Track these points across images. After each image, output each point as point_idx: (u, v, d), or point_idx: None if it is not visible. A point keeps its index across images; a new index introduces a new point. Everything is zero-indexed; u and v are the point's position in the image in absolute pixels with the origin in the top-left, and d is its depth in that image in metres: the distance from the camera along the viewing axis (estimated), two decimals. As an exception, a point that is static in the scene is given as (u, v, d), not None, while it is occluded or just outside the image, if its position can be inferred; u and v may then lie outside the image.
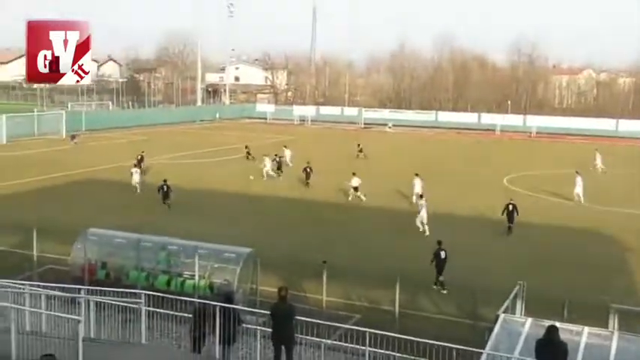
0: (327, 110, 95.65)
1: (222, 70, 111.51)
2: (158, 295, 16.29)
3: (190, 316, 14.97)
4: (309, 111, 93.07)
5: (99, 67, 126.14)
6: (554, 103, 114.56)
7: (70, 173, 41.07)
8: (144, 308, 15.19)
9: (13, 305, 14.59)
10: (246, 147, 50.22)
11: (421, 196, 30.90)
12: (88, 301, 15.96)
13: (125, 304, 15.75)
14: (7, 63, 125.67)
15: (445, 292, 21.46)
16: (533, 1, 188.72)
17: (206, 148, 54.52)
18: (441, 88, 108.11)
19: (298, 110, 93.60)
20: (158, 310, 15.88)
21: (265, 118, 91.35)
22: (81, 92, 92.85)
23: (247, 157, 49.11)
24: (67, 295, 16.84)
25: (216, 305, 14.32)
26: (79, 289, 16.99)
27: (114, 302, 15.93)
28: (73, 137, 54.83)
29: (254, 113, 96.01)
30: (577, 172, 37.67)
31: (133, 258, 20.43)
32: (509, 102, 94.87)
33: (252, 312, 16.44)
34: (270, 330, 13.92)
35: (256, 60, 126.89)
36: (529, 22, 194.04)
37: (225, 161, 49.32)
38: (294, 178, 41.55)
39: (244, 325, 15.04)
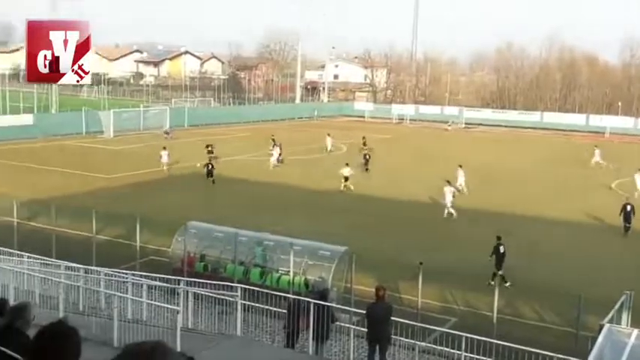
0: (426, 109, 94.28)
1: (322, 67, 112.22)
2: (253, 289, 16.50)
3: (285, 311, 15.05)
4: (408, 110, 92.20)
5: (202, 64, 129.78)
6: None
7: (174, 167, 42.23)
8: (240, 301, 15.40)
9: (117, 293, 15.13)
10: (328, 134, 50.68)
11: (448, 182, 32.51)
12: (187, 292, 16.34)
13: (222, 297, 16.03)
14: (115, 60, 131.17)
15: (508, 284, 21.05)
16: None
17: (301, 146, 54.85)
18: (548, 88, 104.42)
19: (397, 109, 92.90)
20: (253, 304, 16.07)
21: (363, 117, 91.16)
22: (184, 89, 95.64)
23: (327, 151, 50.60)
24: (167, 285, 17.33)
25: (310, 302, 14.34)
26: (179, 281, 17.44)
27: (211, 294, 16.24)
28: (167, 133, 56.30)
29: (352, 111, 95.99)
30: None
31: (229, 252, 20.79)
32: (619, 103, 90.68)
33: (346, 310, 16.37)
34: (364, 329, 13.81)
35: (356, 58, 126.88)
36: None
37: (318, 159, 49.49)
38: (383, 178, 41.24)
39: (338, 322, 15.00)
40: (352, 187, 36.90)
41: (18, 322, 6.51)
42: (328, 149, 52.68)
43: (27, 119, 56.56)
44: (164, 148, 43.23)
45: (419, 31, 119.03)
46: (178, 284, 17.06)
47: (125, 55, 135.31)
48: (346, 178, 37.20)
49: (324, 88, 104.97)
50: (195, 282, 17.37)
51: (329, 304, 14.79)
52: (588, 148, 53.14)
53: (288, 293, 17.03)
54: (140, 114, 64.09)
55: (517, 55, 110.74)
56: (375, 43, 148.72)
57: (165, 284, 17.43)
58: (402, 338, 14.08)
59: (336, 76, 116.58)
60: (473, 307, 19.51)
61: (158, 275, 18.13)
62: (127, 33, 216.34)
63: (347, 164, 38.23)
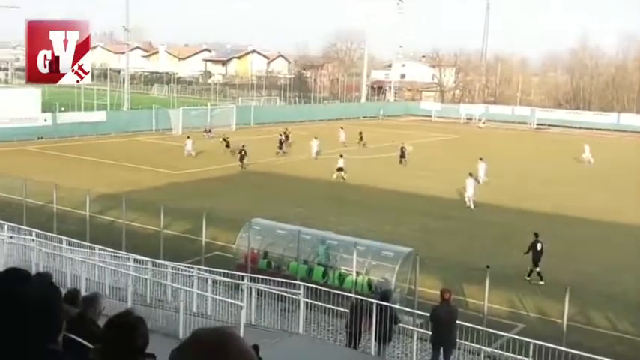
0: (496, 109, 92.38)
1: (389, 66, 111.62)
2: (316, 288, 16.54)
3: (347, 311, 15.03)
4: (477, 110, 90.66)
5: (269, 63, 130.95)
6: None
7: (236, 165, 42.73)
8: (302, 299, 15.46)
9: (183, 287, 15.41)
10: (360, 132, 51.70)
11: (470, 175, 33.96)
12: (250, 288, 16.50)
13: (285, 294, 16.12)
14: (185, 59, 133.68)
15: (542, 282, 20.96)
16: None
17: (369, 145, 54.66)
18: (625, 89, 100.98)
19: (465, 109, 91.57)
20: (316, 302, 16.11)
21: (430, 116, 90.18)
22: (251, 87, 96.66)
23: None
24: (232, 281, 17.54)
25: (373, 302, 14.28)
26: (242, 276, 17.63)
27: (274, 291, 16.36)
28: (207, 132, 56.37)
29: (418, 111, 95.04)
30: None
31: (292, 249, 20.88)
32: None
33: (409, 312, 16.24)
34: (428, 332, 13.68)
35: (423, 57, 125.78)
36: None
37: (381, 159, 49.22)
38: (447, 180, 40.73)
39: (401, 324, 14.90)
40: (345, 178, 38.88)
41: (89, 312, 6.70)
42: (343, 142, 53.44)
43: (100, 116, 58.11)
44: (188, 137, 46.97)
45: (490, 30, 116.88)
46: (242, 280, 17.25)
47: (194, 55, 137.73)
48: (340, 169, 39.26)
49: (390, 88, 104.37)
50: (258, 278, 17.54)
51: (392, 305, 14.70)
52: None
53: (350, 293, 17.01)
54: (207, 112, 65.05)
55: (592, 55, 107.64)
56: (443, 43, 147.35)
57: (229, 279, 17.66)
58: (466, 342, 13.88)
59: (402, 76, 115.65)
60: (542, 313, 19.04)
61: (222, 270, 18.39)
62: (196, 33, 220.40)
63: (341, 156, 40.41)
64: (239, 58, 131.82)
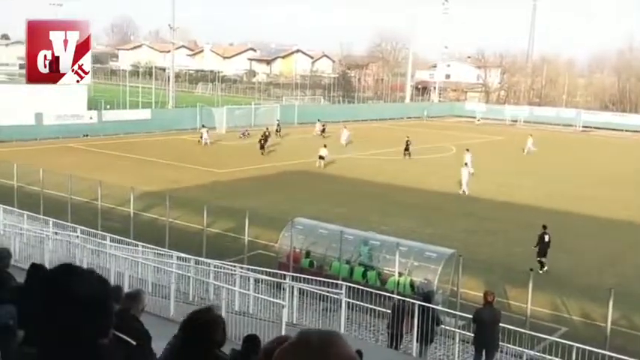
0: (541, 111, 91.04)
1: (433, 67, 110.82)
2: (357, 288, 16.48)
3: (389, 311, 14.94)
4: (521, 111, 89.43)
5: (313, 62, 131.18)
6: None
7: (279, 164, 42.89)
8: (344, 299, 15.41)
9: (225, 285, 15.48)
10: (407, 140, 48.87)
11: (466, 164, 38.17)
12: (292, 287, 16.51)
13: (326, 294, 16.10)
14: (230, 58, 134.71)
15: (541, 272, 21.74)
16: None
17: (418, 145, 54.27)
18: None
19: (510, 110, 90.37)
20: (358, 302, 16.04)
21: (474, 117, 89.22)
22: (295, 86, 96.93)
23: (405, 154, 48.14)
24: (274, 280, 17.58)
25: (415, 303, 14.17)
26: (284, 275, 17.65)
27: (316, 290, 16.34)
28: (243, 134, 56.11)
29: (463, 112, 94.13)
30: None
31: (334, 249, 20.83)
32: None
33: (451, 314, 16.07)
34: (470, 334, 13.53)
35: (469, 57, 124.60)
36: None
37: (424, 159, 48.87)
38: (492, 182, 40.21)
39: (443, 326, 14.76)
40: (323, 167, 42.13)
41: (132, 309, 6.74)
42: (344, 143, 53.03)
43: (145, 114, 58.87)
44: (203, 126, 52.43)
45: (536, 31, 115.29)
46: (284, 279, 17.27)
47: (239, 54, 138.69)
48: (321, 157, 42.43)
49: (434, 88, 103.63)
50: (300, 277, 17.54)
51: (434, 306, 14.57)
52: None
53: (392, 294, 16.91)
54: (252, 111, 65.39)
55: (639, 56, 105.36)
56: (488, 43, 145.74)
57: (271, 278, 17.70)
58: (509, 345, 13.70)
59: (447, 76, 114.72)
60: (586, 317, 18.69)
61: (265, 269, 18.44)
62: (241, 32, 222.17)
63: (325, 145, 43.77)
64: (283, 57, 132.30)
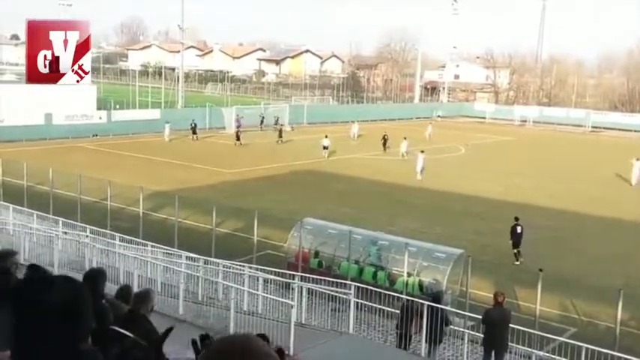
0: (550, 112, 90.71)
1: (442, 67, 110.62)
2: (366, 288, 16.47)
3: (398, 312, 14.93)
4: (531, 112, 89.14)
5: (322, 63, 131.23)
6: None
7: (291, 164, 42.91)
8: (353, 299, 15.40)
9: (234, 285, 15.49)
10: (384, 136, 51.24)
11: (422, 152, 40.90)
12: (301, 287, 16.51)
13: (335, 294, 16.10)
14: (239, 58, 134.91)
15: (517, 263, 22.74)
16: None
17: (427, 146, 54.20)
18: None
19: (519, 110, 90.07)
20: (367, 302, 16.03)
21: (484, 118, 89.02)
22: (304, 87, 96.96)
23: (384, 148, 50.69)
24: (283, 280, 17.59)
25: (424, 304, 14.16)
26: (293, 275, 17.66)
27: (325, 291, 16.34)
28: (238, 122, 56.59)
29: (472, 112, 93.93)
30: None
31: (343, 249, 20.81)
32: None
33: (460, 314, 16.04)
34: (479, 334, 13.51)
35: (478, 58, 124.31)
36: None
37: (433, 159, 48.78)
38: (499, 182, 40.10)
39: (452, 326, 14.75)
40: (327, 156, 45.55)
41: (141, 308, 6.77)
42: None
43: (154, 114, 58.99)
44: (166, 122, 53.36)
45: (545, 31, 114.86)
46: (293, 279, 17.27)
47: (248, 54, 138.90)
48: (325, 147, 46.00)
49: (444, 88, 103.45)
50: (309, 278, 17.54)
51: (443, 306, 14.55)
52: None
53: (401, 294, 16.89)
54: (261, 111, 65.47)
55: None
56: (497, 44, 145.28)
57: (280, 278, 17.71)
58: (518, 346, 13.68)
59: (456, 76, 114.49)
60: (595, 317, 18.62)
61: (273, 269, 18.45)
62: (250, 32, 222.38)
63: (326, 136, 46.98)
64: (293, 57, 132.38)
